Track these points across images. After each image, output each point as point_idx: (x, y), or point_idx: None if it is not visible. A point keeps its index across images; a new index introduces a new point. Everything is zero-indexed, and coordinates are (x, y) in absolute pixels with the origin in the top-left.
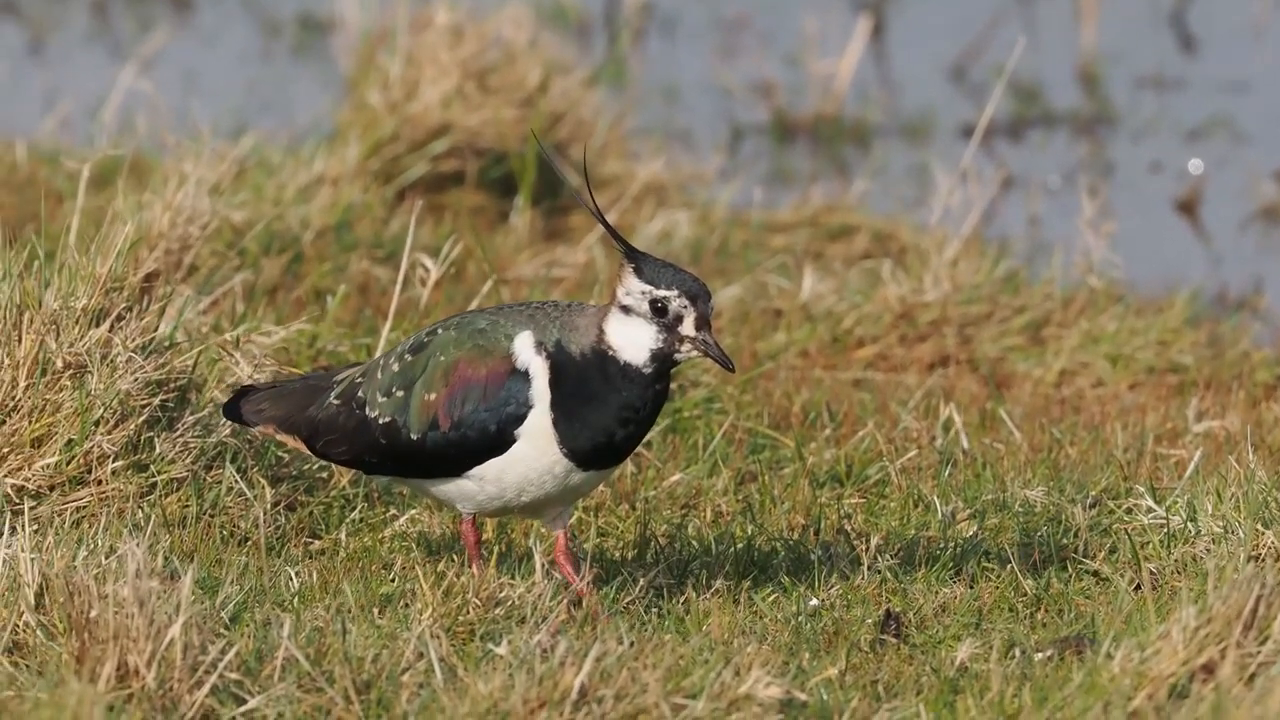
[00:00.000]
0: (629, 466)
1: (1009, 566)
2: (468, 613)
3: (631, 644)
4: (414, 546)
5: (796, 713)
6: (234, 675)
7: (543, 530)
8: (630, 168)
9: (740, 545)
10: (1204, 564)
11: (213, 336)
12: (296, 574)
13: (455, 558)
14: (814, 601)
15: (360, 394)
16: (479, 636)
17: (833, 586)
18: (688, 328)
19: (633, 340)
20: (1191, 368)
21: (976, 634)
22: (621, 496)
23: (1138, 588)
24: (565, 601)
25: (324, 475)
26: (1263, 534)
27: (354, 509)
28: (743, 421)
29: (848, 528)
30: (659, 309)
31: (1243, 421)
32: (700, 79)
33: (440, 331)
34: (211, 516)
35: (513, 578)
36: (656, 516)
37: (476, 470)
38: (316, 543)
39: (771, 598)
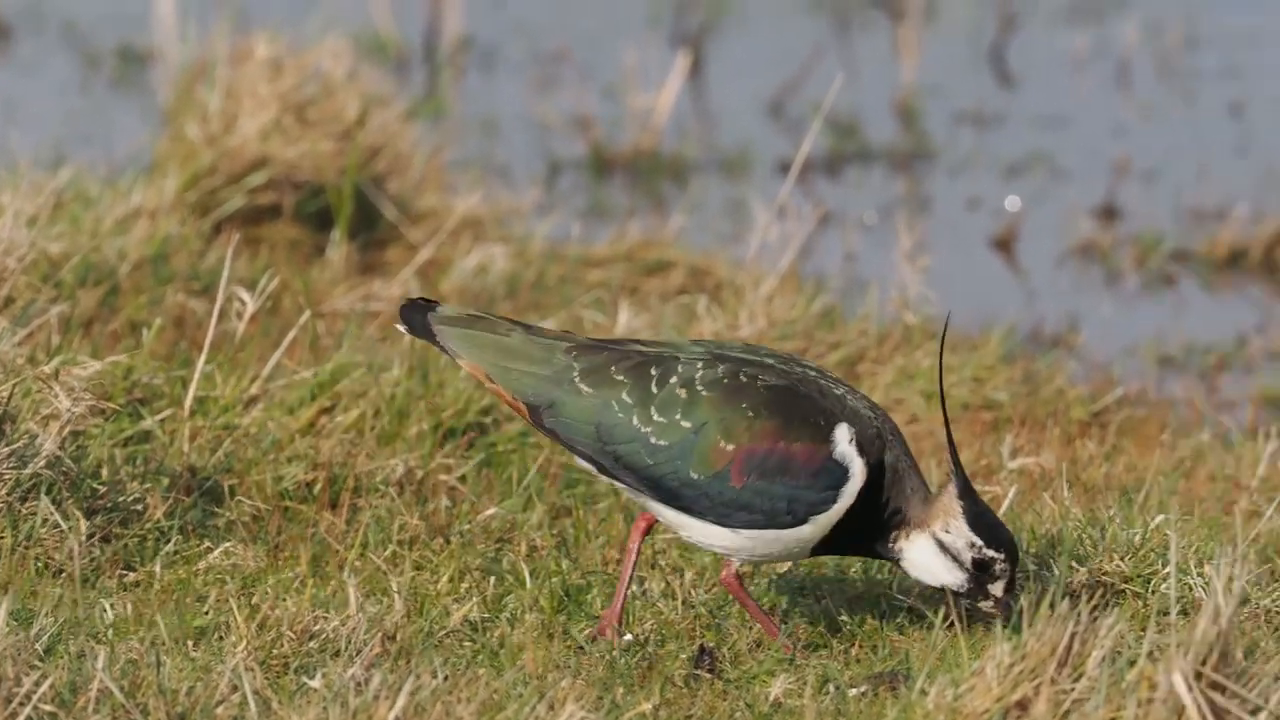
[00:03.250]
0: (443, 500)
1: (823, 602)
2: (282, 645)
3: (445, 678)
4: (229, 579)
5: None
6: (48, 707)
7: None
8: (448, 201)
9: (555, 579)
10: (1019, 600)
11: (28, 368)
12: (111, 606)
13: (269, 590)
14: (628, 636)
15: (624, 397)
16: (293, 669)
17: (647, 621)
18: (998, 589)
19: (933, 573)
20: (1006, 404)
21: (790, 670)
22: (436, 530)
23: (951, 624)
24: (380, 635)
25: (139, 508)
26: (1077, 570)
27: (169, 541)
28: (557, 456)
29: (662, 562)
30: (981, 565)
31: (1057, 458)
32: (518, 112)
33: (743, 377)
34: (26, 548)
35: (327, 611)
36: (471, 550)
37: (750, 531)
38: (131, 575)
39: (586, 632)
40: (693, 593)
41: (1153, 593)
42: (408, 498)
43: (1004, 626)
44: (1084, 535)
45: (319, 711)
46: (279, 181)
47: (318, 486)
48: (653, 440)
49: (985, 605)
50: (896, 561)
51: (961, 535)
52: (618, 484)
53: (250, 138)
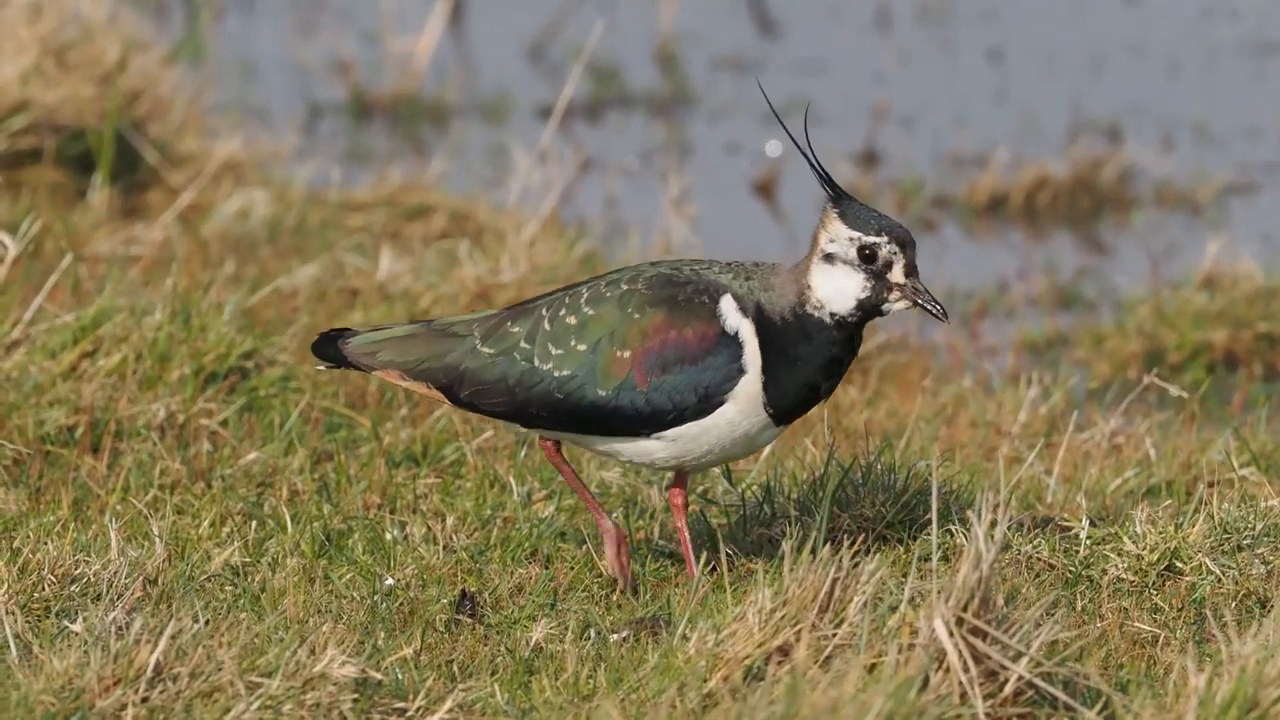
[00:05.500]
0: (205, 445)
1: (584, 547)
2: (43, 589)
3: (207, 622)
4: None
5: (372, 692)
6: None
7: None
8: (208, 145)
9: (316, 524)
10: (780, 546)
11: None
12: None
13: (30, 534)
14: (389, 581)
15: (523, 344)
16: (55, 613)
17: (408, 566)
18: (897, 275)
19: (840, 290)
20: None
21: (552, 614)
22: (198, 474)
23: (714, 569)
24: (141, 579)
25: None
26: (839, 516)
27: None
28: (319, 400)
29: (423, 507)
30: (867, 256)
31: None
32: (278, 56)
33: (624, 286)
34: None
35: (88, 555)
36: (233, 495)
37: (672, 432)
38: None
39: (347, 576)
40: (454, 538)
41: (914, 538)
42: (169, 442)
43: (935, 314)
44: (846, 480)
45: (80, 655)
46: (39, 125)
47: (79, 431)
48: (557, 374)
49: (899, 302)
50: (823, 314)
51: (840, 235)
52: (549, 435)
53: (10, 81)
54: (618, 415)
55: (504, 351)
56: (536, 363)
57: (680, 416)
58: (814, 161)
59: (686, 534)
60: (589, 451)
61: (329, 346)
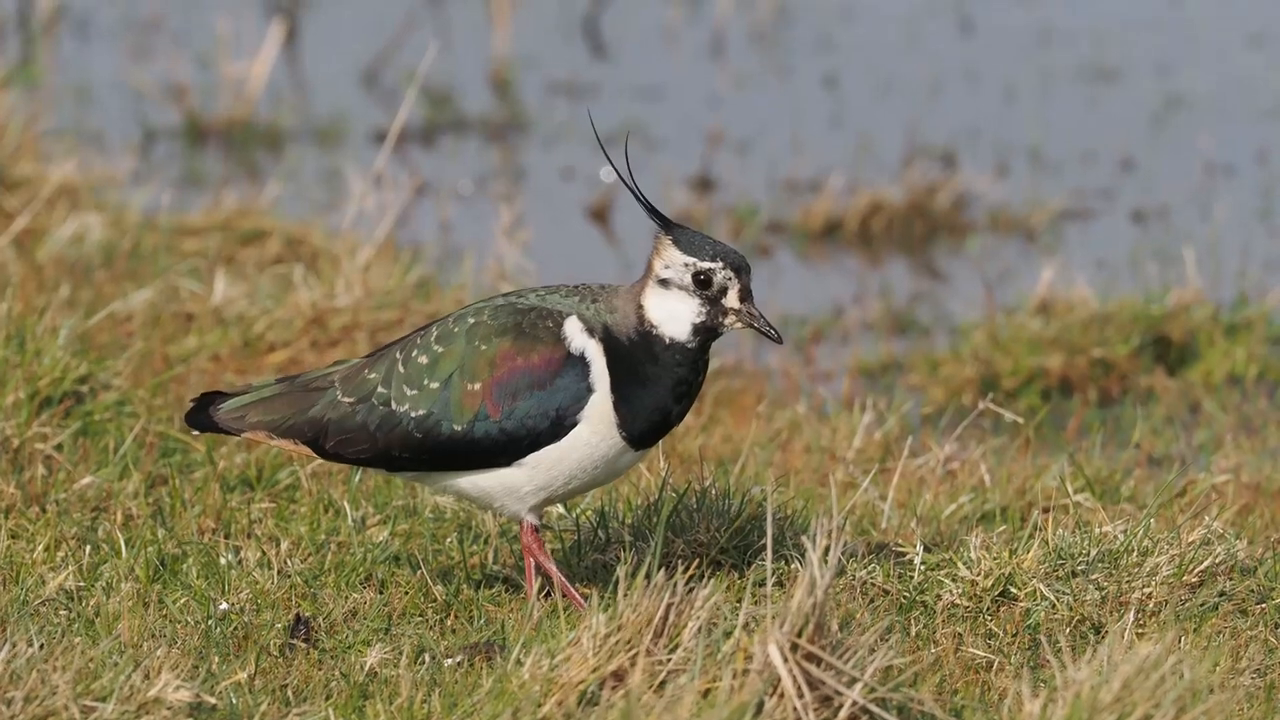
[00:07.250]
0: (40, 469)
1: (419, 572)
2: None
3: (41, 646)
4: None
5: (206, 716)
6: None
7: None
8: (43, 170)
9: (151, 548)
10: (615, 571)
11: None
12: None
13: None
14: (224, 605)
15: (380, 389)
16: None
17: (243, 591)
18: (732, 300)
19: (674, 315)
20: None
21: (386, 639)
22: (33, 498)
23: (548, 594)
24: None
25: None
26: (674, 541)
27: None
28: (154, 425)
29: (258, 532)
30: (702, 281)
31: None
32: (113, 80)
33: (471, 320)
34: None
35: None
36: (67, 519)
37: (530, 458)
38: None
39: (181, 601)
40: (288, 562)
41: (749, 564)
42: (4, 466)
43: (770, 337)
44: (681, 506)
45: None
46: None
47: None
48: (414, 414)
49: (734, 323)
50: (663, 338)
51: (675, 261)
52: (416, 480)
53: None
54: (475, 448)
55: (363, 399)
56: (394, 405)
57: (535, 442)
58: (640, 195)
59: (552, 566)
60: (458, 498)
61: (201, 414)
